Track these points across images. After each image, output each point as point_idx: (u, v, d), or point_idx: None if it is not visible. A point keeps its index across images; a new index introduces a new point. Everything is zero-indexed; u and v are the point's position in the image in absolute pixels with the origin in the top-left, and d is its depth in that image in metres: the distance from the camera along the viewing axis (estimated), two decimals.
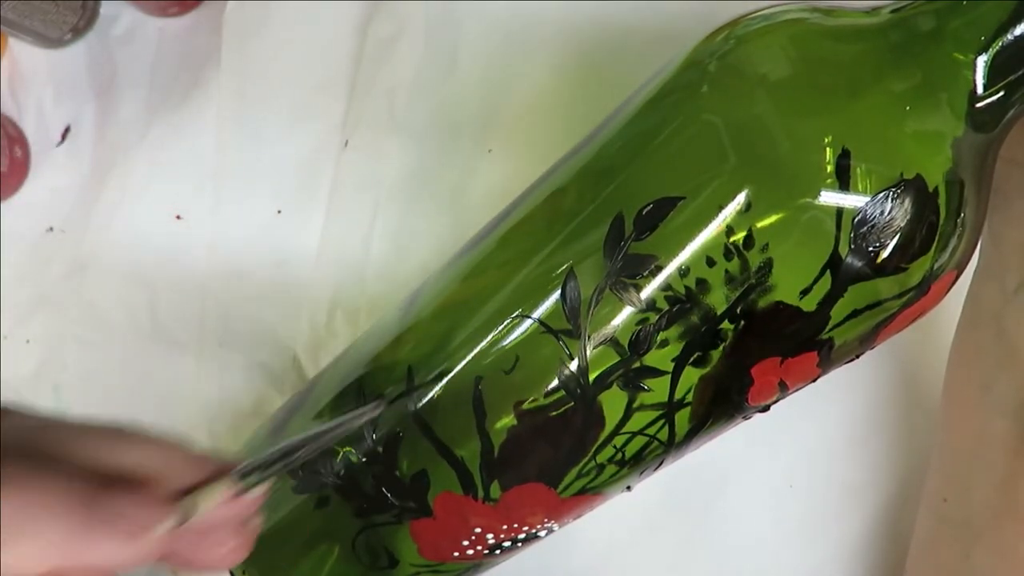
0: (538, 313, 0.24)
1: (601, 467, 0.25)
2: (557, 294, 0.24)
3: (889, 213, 0.21)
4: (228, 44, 0.41)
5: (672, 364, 0.23)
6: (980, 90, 0.22)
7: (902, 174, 0.21)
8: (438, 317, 0.27)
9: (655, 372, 0.23)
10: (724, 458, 0.35)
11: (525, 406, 0.24)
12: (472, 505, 0.26)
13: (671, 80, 0.25)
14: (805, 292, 0.22)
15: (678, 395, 0.24)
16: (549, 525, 0.27)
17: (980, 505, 0.28)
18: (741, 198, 0.22)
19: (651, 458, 0.25)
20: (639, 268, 0.23)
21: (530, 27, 0.40)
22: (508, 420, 0.25)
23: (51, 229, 0.43)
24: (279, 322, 0.41)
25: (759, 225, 0.22)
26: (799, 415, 0.32)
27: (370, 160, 0.41)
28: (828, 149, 0.21)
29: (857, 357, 0.25)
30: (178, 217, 0.42)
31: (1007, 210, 0.27)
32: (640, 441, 0.25)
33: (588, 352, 0.24)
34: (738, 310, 0.23)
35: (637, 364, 0.23)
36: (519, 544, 0.27)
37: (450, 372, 0.25)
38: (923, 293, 0.23)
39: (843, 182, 0.21)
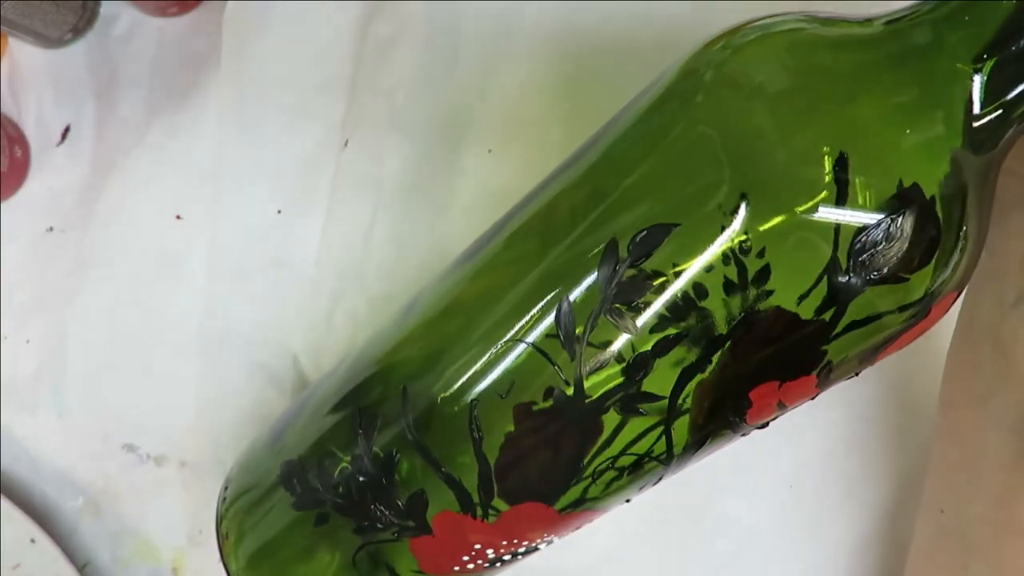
0: (532, 337, 0.24)
1: (600, 484, 0.25)
2: (551, 318, 0.23)
3: (888, 223, 0.21)
4: (228, 44, 0.41)
5: (670, 389, 0.23)
6: (977, 108, 0.22)
7: (900, 184, 0.21)
8: (432, 337, 0.27)
9: (652, 397, 0.23)
10: (724, 459, 0.35)
11: (521, 429, 0.24)
12: (471, 523, 0.25)
13: (667, 89, 0.24)
14: (803, 297, 0.22)
15: (677, 410, 0.24)
16: (549, 539, 0.27)
17: (978, 518, 0.28)
18: (738, 218, 0.22)
19: (650, 474, 0.25)
20: (634, 295, 0.23)
21: (531, 28, 0.40)
22: (504, 442, 0.24)
23: (51, 229, 0.43)
24: (279, 322, 0.41)
25: (756, 238, 0.21)
26: (799, 417, 0.32)
27: (370, 160, 0.40)
28: (826, 159, 0.21)
29: (856, 375, 0.25)
30: (178, 217, 0.42)
31: (1005, 222, 0.27)
32: (638, 458, 0.24)
33: (584, 377, 0.23)
34: (736, 331, 0.22)
35: (634, 389, 0.23)
36: (519, 556, 0.28)
37: (445, 394, 0.25)
38: (925, 312, 0.23)
39: (841, 193, 0.21)
